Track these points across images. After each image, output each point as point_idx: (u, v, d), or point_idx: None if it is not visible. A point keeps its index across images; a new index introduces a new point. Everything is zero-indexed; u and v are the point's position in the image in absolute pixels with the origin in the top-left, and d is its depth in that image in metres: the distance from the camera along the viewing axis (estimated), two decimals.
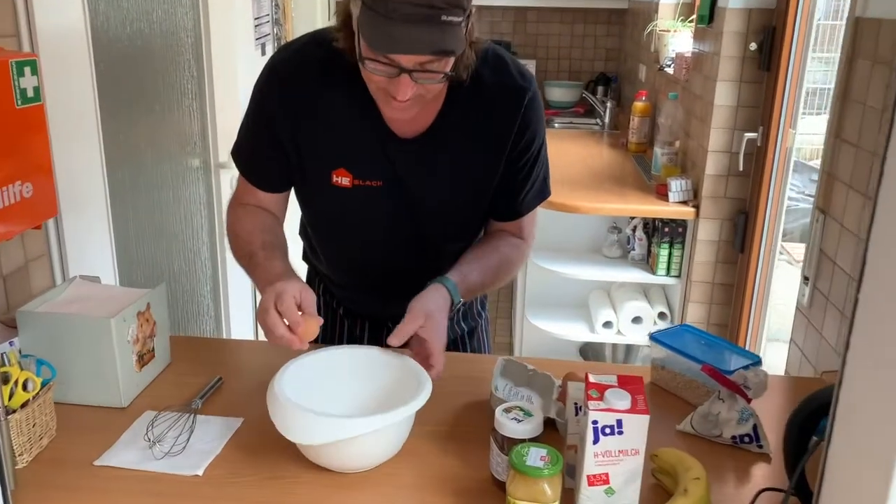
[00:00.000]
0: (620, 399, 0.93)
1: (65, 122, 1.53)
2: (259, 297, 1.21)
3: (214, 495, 1.04)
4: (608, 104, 4.13)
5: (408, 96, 1.12)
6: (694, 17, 2.82)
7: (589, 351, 3.03)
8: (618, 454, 0.94)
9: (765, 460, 1.16)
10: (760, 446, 1.17)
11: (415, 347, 1.20)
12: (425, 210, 1.33)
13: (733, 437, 1.18)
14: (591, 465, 0.94)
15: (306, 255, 1.59)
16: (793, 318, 1.65)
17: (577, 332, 2.88)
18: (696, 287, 2.62)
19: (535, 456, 0.95)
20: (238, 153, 1.38)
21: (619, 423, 0.92)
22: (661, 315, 2.77)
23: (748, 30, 2.33)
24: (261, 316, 1.15)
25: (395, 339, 1.16)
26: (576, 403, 1.05)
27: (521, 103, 1.27)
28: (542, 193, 1.40)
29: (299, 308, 1.14)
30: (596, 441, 0.93)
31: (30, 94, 1.32)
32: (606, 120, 4.11)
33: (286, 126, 1.28)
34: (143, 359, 1.30)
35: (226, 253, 2.37)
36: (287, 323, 1.13)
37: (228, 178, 2.35)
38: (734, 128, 2.42)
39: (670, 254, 2.67)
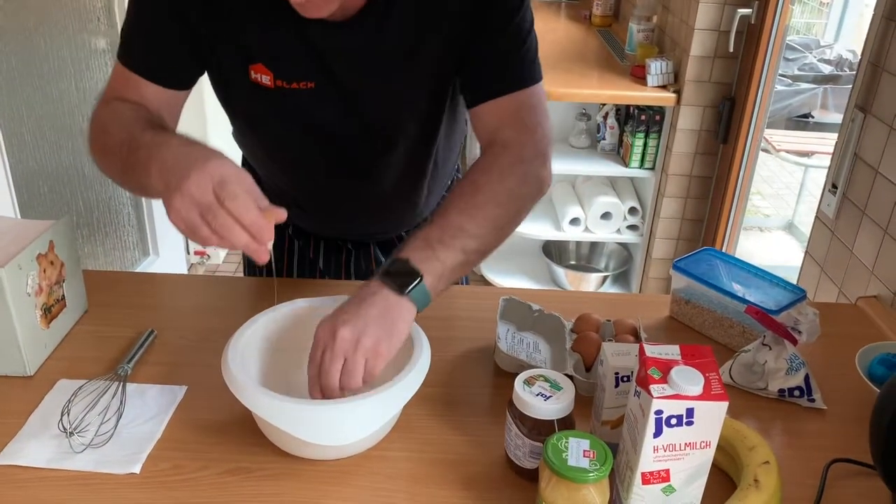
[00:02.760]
0: (691, 381, 0.72)
1: None
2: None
3: (157, 500, 0.81)
4: None
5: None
6: None
7: (552, 248, 2.85)
8: (684, 448, 0.74)
9: (819, 417, 0.99)
10: (812, 400, 1.00)
11: None
12: (372, 112, 1.05)
13: (781, 391, 1.00)
14: (648, 462, 0.74)
15: (245, 161, 1.30)
16: (811, 229, 1.47)
17: (540, 230, 2.67)
18: (672, 180, 2.42)
19: (577, 451, 0.75)
20: (127, 41, 1.01)
21: (690, 412, 0.72)
22: (632, 210, 2.59)
23: None
24: (194, 213, 0.76)
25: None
26: (617, 373, 0.83)
27: None
28: (534, 72, 1.04)
29: None
30: (658, 434, 0.72)
31: None
32: None
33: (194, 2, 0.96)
34: (51, 312, 1.02)
35: None
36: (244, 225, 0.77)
37: None
38: (725, 2, 2.15)
39: (645, 144, 2.45)
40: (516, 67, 1.03)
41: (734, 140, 2.23)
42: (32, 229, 1.02)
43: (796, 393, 1.00)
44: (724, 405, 0.72)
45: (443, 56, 1.02)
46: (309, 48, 0.98)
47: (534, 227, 2.68)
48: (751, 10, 2.10)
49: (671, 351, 0.76)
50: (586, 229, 2.62)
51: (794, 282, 1.51)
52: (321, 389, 0.83)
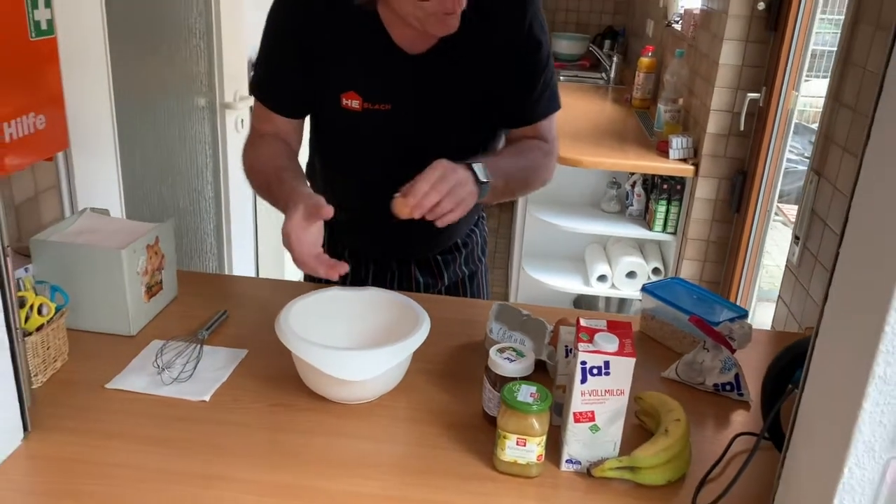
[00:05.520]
0: (609, 342, 0.97)
1: (74, 56, 1.55)
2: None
3: (220, 419, 1.10)
4: (614, 58, 4.11)
5: (464, 4, 1.18)
6: None
7: (583, 303, 3.09)
8: (604, 394, 0.99)
9: (744, 408, 1.21)
10: (741, 395, 1.22)
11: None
12: (435, 130, 1.38)
13: (715, 385, 1.23)
14: (577, 403, 0.99)
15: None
16: (782, 277, 1.70)
17: (572, 284, 2.93)
18: (691, 244, 2.66)
19: (526, 393, 1.01)
20: (257, 82, 1.41)
21: (607, 364, 0.97)
22: (656, 270, 2.82)
23: None
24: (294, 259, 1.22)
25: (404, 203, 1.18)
26: (566, 346, 1.09)
27: (525, 8, 1.32)
28: (554, 103, 1.44)
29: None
30: (584, 381, 0.98)
31: (43, 26, 1.33)
32: (612, 74, 4.10)
33: (300, 46, 1.31)
34: (152, 290, 1.34)
35: (229, 192, 2.41)
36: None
37: (233, 119, 2.36)
38: (737, 87, 2.43)
39: (667, 210, 2.71)
40: (545, 103, 1.43)
41: (746, 209, 2.47)
42: (143, 227, 1.36)
43: (727, 388, 1.23)
44: (632, 361, 0.97)
45: (487, 92, 1.37)
46: (390, 75, 1.33)
47: (565, 281, 2.94)
48: (759, 94, 2.37)
49: (600, 323, 1.02)
50: (613, 286, 2.86)
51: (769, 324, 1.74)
52: (423, 194, 1.15)
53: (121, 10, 1.78)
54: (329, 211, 1.16)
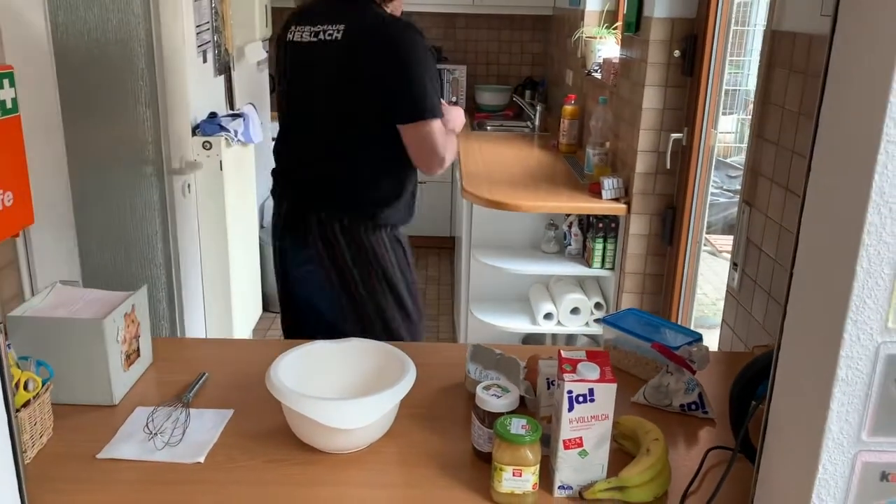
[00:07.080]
0: (591, 371, 1.05)
1: (32, 131, 1.56)
2: None
3: (218, 480, 1.11)
4: (538, 107, 4.30)
5: None
6: (619, 24, 3.00)
7: (531, 341, 3.17)
8: (590, 419, 1.06)
9: (710, 424, 1.31)
10: (706, 412, 1.32)
11: None
12: None
13: (681, 406, 1.32)
14: (566, 431, 1.06)
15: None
16: (724, 302, 1.82)
17: (519, 325, 3.01)
18: (629, 278, 2.79)
19: (517, 425, 1.07)
20: (437, 104, 1.76)
21: (591, 391, 1.05)
22: (598, 305, 2.94)
23: (672, 38, 2.51)
24: None
25: None
26: (548, 378, 1.17)
27: None
28: None
29: None
30: (571, 409, 1.05)
31: (8, 105, 1.35)
32: (537, 122, 4.28)
33: None
34: (130, 358, 1.35)
35: (179, 258, 2.40)
36: None
37: (180, 184, 2.38)
38: (661, 129, 2.60)
39: (604, 248, 2.84)
40: None
41: (677, 242, 2.62)
42: (119, 297, 1.37)
43: (693, 407, 1.32)
44: (614, 386, 1.05)
45: None
46: None
47: (512, 322, 3.02)
48: (681, 134, 2.54)
49: (580, 354, 1.10)
50: (559, 323, 2.97)
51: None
52: None
53: (71, 82, 1.80)
54: None
